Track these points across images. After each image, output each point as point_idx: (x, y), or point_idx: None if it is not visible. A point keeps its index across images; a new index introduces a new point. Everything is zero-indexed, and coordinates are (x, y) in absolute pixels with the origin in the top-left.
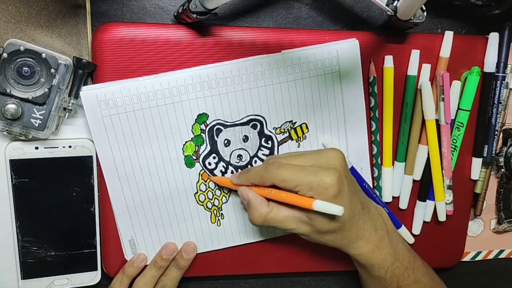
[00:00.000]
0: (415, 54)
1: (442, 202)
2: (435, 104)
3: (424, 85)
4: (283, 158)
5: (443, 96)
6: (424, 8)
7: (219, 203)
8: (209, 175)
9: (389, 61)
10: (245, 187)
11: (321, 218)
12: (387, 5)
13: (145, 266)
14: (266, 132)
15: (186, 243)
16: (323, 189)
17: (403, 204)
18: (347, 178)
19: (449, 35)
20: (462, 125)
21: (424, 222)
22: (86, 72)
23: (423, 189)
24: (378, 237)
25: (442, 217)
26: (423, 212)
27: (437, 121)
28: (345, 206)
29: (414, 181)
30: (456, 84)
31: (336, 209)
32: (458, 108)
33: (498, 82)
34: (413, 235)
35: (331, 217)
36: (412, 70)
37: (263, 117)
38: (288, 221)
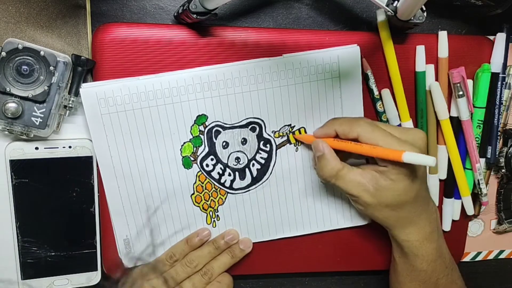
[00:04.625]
0: (420, 50)
1: (468, 197)
2: (447, 103)
3: (433, 86)
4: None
5: (460, 93)
6: (424, 9)
7: (215, 205)
8: (207, 177)
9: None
10: (321, 140)
11: (390, 191)
12: (387, 5)
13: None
14: (265, 135)
15: (246, 238)
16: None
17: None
18: None
19: (443, 35)
20: (482, 122)
21: None
22: (85, 69)
23: (448, 186)
24: (430, 229)
25: (470, 211)
26: (451, 209)
27: (452, 118)
28: (414, 185)
29: (440, 180)
30: (469, 83)
31: (428, 160)
32: (474, 107)
33: (499, 83)
34: (452, 231)
35: (399, 191)
36: (419, 67)
37: (262, 120)
38: (354, 186)
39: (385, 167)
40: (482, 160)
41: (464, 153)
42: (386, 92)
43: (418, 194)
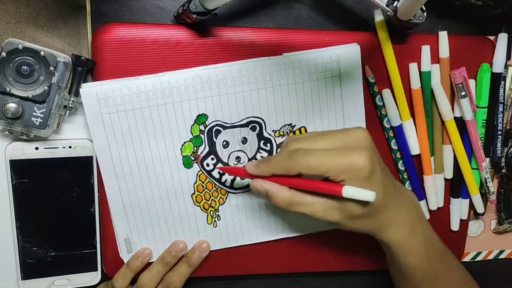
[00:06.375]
0: (425, 50)
1: (477, 196)
2: (450, 103)
3: (436, 88)
4: (307, 142)
5: (463, 93)
6: (424, 9)
7: (216, 205)
8: (207, 176)
9: (378, 16)
10: (258, 180)
11: (353, 202)
12: (387, 5)
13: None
14: (265, 134)
15: (199, 241)
16: (357, 170)
17: (439, 202)
18: (377, 158)
19: (443, 35)
20: (485, 122)
21: None
22: (85, 69)
23: (455, 186)
24: (411, 221)
25: (480, 210)
26: (458, 208)
27: (456, 118)
28: (378, 187)
29: (445, 179)
30: (471, 83)
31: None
32: (477, 107)
33: (501, 83)
34: (452, 231)
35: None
36: (425, 67)
37: (263, 120)
38: (315, 208)
39: (342, 180)
40: (487, 159)
41: (469, 153)
42: (387, 93)
43: (386, 190)
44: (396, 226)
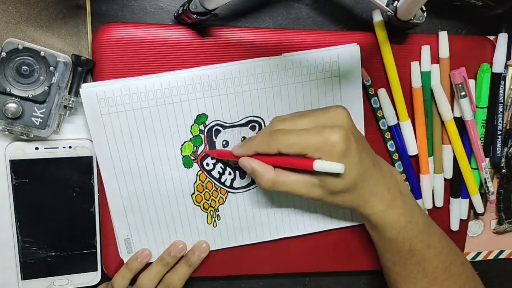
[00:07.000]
0: (425, 50)
1: (477, 196)
2: (450, 103)
3: (436, 88)
4: (289, 121)
5: (463, 93)
6: (424, 9)
7: (215, 204)
8: (207, 176)
9: (377, 16)
10: (246, 157)
11: (332, 178)
12: (387, 5)
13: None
14: None
15: (199, 241)
16: (330, 147)
17: (439, 202)
18: (354, 135)
19: (443, 35)
20: (485, 122)
21: None
22: (85, 69)
23: (454, 186)
24: (391, 196)
25: (480, 210)
26: (458, 208)
27: (456, 118)
28: (355, 163)
29: (445, 179)
30: (471, 83)
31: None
32: (477, 107)
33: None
34: (452, 231)
35: (341, 175)
36: (425, 67)
37: (262, 119)
38: (298, 186)
39: (319, 158)
40: (487, 159)
41: (469, 153)
42: (382, 92)
43: (363, 166)
44: (376, 199)
